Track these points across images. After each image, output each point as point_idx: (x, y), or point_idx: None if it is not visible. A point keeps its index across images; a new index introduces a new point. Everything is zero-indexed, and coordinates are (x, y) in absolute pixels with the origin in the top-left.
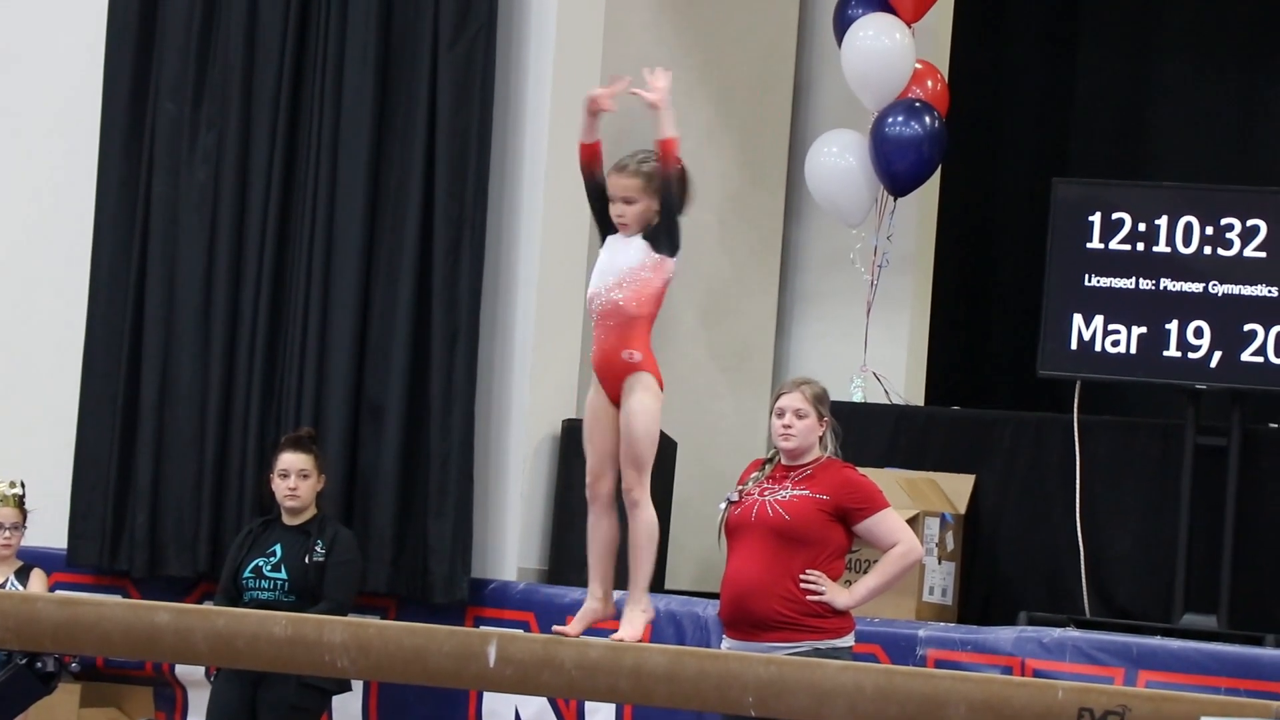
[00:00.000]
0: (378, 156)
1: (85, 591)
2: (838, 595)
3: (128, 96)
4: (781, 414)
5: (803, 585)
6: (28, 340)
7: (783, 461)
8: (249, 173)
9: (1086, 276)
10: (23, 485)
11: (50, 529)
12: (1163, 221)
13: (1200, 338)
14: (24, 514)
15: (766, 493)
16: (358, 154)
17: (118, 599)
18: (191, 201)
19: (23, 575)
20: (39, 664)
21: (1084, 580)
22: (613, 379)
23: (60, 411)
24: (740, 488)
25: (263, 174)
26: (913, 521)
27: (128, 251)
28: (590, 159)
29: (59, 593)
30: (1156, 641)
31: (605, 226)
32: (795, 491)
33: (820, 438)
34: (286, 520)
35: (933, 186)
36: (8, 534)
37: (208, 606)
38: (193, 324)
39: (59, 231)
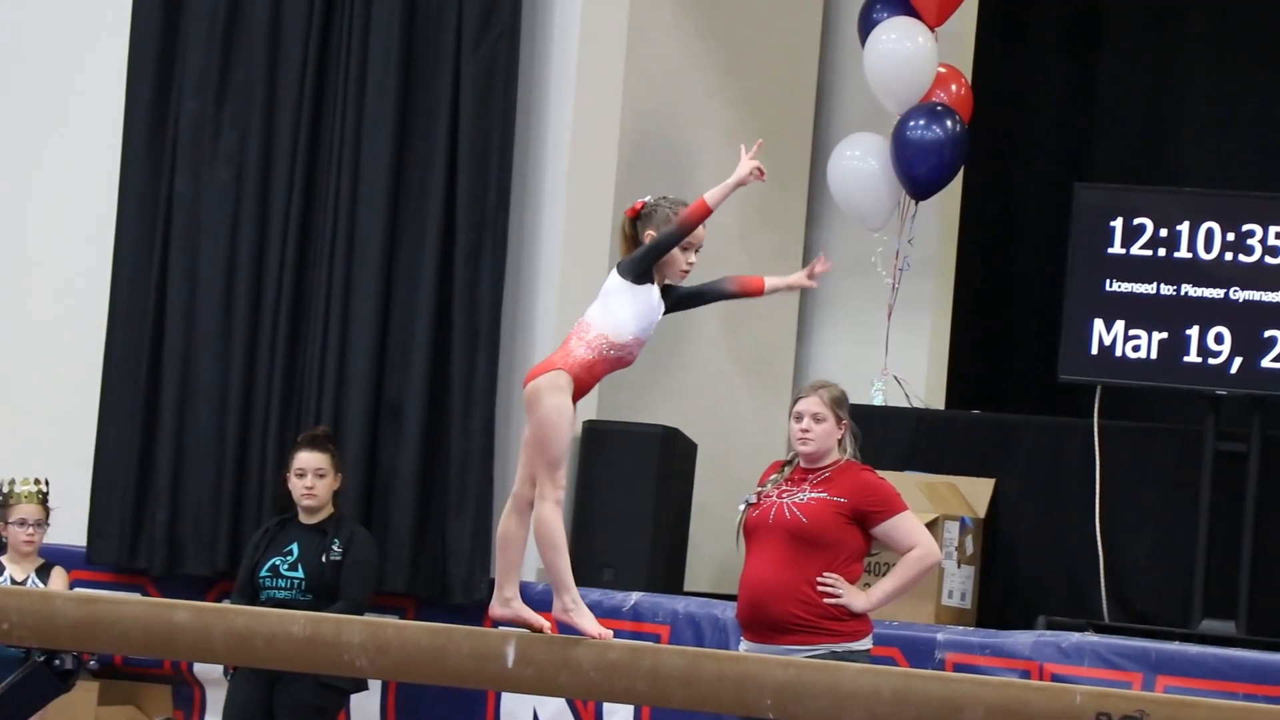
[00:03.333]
0: (400, 158)
1: (104, 589)
2: (855, 598)
3: (151, 95)
4: (800, 417)
5: (820, 588)
6: (50, 339)
7: (801, 464)
8: (271, 173)
9: (1108, 282)
10: (47, 483)
11: (70, 527)
12: (1184, 227)
13: (1221, 344)
14: (47, 511)
15: (785, 495)
16: (380, 155)
17: (137, 597)
18: (213, 201)
19: (44, 573)
20: (57, 661)
21: (1103, 585)
22: (575, 401)
23: (81, 410)
24: (759, 490)
25: (285, 174)
26: (932, 525)
27: (149, 250)
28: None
29: (78, 590)
30: (1175, 647)
31: (649, 273)
32: (813, 494)
33: (839, 441)
34: (304, 519)
35: (955, 190)
36: (31, 530)
37: (226, 605)
38: (214, 323)
39: (81, 230)
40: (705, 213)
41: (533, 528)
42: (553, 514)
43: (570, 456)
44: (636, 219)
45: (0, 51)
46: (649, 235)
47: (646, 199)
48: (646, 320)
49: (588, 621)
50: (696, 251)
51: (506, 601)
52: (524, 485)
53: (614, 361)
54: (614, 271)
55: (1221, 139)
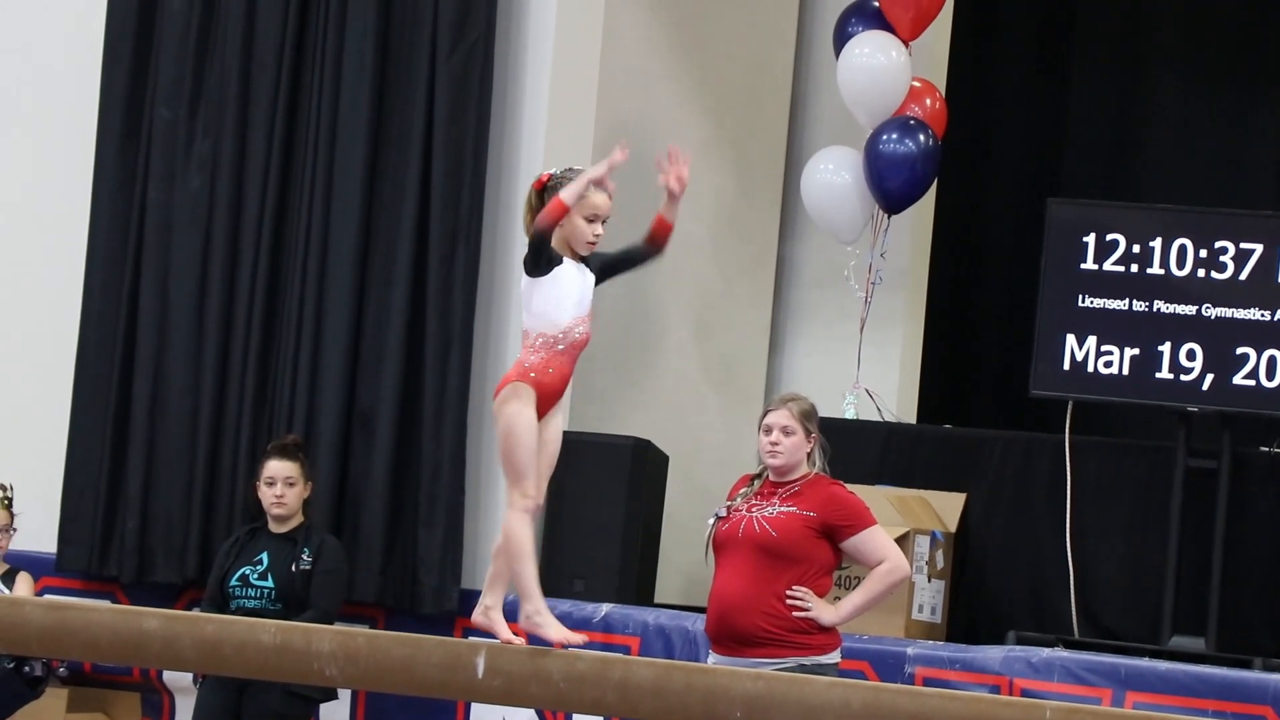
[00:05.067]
0: (374, 165)
1: (74, 597)
2: (823, 612)
3: (124, 102)
4: (769, 430)
5: (789, 602)
6: (20, 344)
7: (770, 478)
8: (244, 180)
9: (1080, 297)
10: (11, 488)
11: (40, 533)
12: (1157, 243)
13: (1192, 360)
14: (12, 516)
15: (754, 509)
16: (353, 162)
17: (106, 604)
18: (186, 208)
19: (9, 579)
20: (26, 668)
21: (1073, 601)
22: (552, 403)
23: (52, 416)
24: (728, 503)
25: (258, 182)
26: (903, 539)
27: (122, 257)
28: (560, 221)
29: (48, 597)
30: (1144, 663)
31: (550, 256)
32: (782, 508)
33: (808, 454)
34: (273, 528)
35: (928, 204)
36: None
37: (196, 613)
38: (186, 331)
39: (53, 236)
40: (561, 210)
41: (503, 536)
42: (520, 523)
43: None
44: (542, 191)
45: None
46: None
47: (553, 171)
48: (573, 298)
49: (553, 630)
50: (603, 222)
51: (486, 610)
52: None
53: (568, 350)
54: (523, 277)
55: (1190, 155)
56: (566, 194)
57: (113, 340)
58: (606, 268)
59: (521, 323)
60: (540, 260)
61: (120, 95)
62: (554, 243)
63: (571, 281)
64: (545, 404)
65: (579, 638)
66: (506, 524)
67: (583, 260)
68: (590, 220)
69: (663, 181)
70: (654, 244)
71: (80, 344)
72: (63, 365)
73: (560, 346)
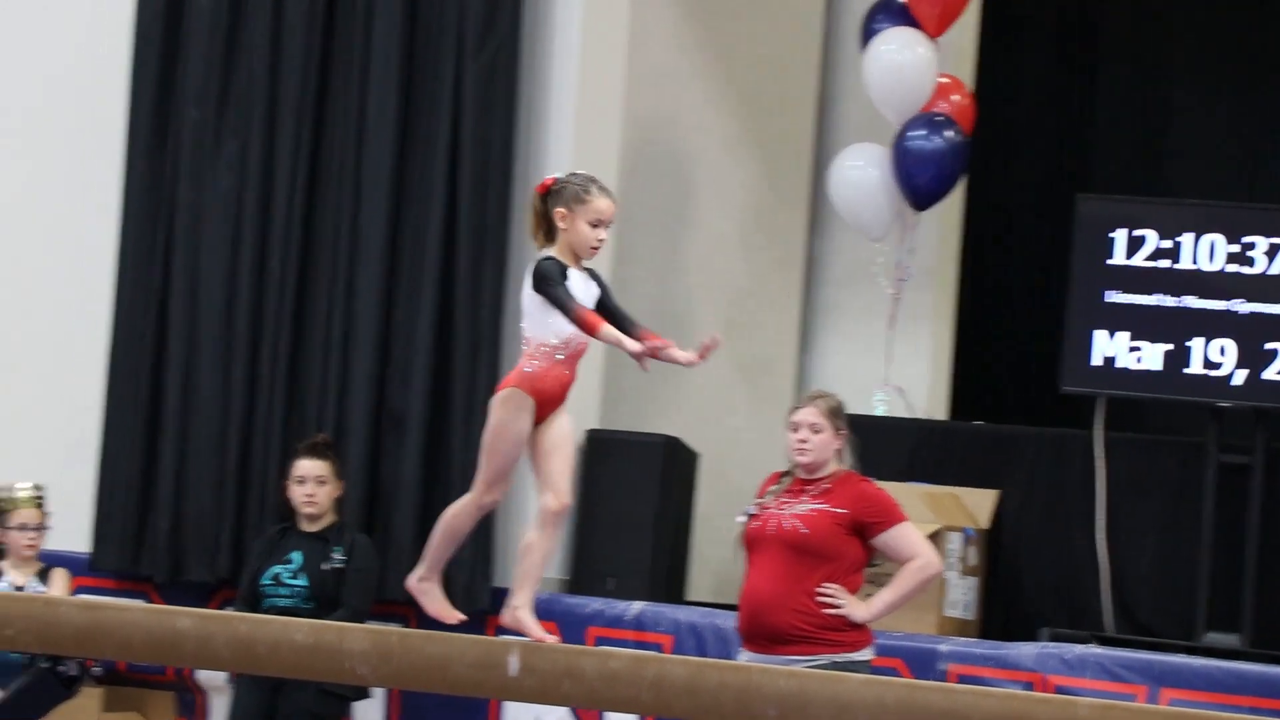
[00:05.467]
0: (401, 165)
1: (107, 596)
2: (855, 609)
3: (153, 102)
4: (797, 428)
5: (820, 599)
6: (52, 345)
7: (800, 475)
8: (273, 180)
9: (1109, 293)
10: (44, 488)
11: (73, 533)
12: (1187, 239)
13: (1224, 355)
14: (45, 516)
15: (784, 506)
16: (381, 162)
17: (140, 604)
18: (215, 208)
19: (44, 577)
20: (61, 667)
21: (1106, 597)
22: (553, 408)
23: (84, 416)
24: (758, 501)
25: (286, 182)
26: (935, 536)
27: (151, 257)
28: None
29: (82, 597)
30: (1179, 659)
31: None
32: (812, 505)
33: (837, 451)
34: (305, 527)
35: (956, 200)
36: (31, 535)
37: (229, 612)
38: (216, 331)
39: (83, 237)
40: (590, 335)
41: (446, 512)
42: (467, 512)
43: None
44: (546, 195)
45: (1, 57)
46: (558, 213)
47: (557, 175)
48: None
49: (433, 602)
50: (606, 228)
51: (514, 610)
52: (542, 496)
53: (569, 359)
54: (528, 284)
55: (1216, 150)
56: (606, 333)
57: (144, 341)
58: (603, 306)
59: (523, 329)
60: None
61: (149, 96)
62: (558, 252)
63: (576, 291)
64: (546, 409)
65: (458, 615)
66: (457, 503)
67: (586, 270)
68: (594, 225)
69: (685, 359)
70: (640, 343)
71: (112, 344)
72: (95, 365)
73: (561, 355)
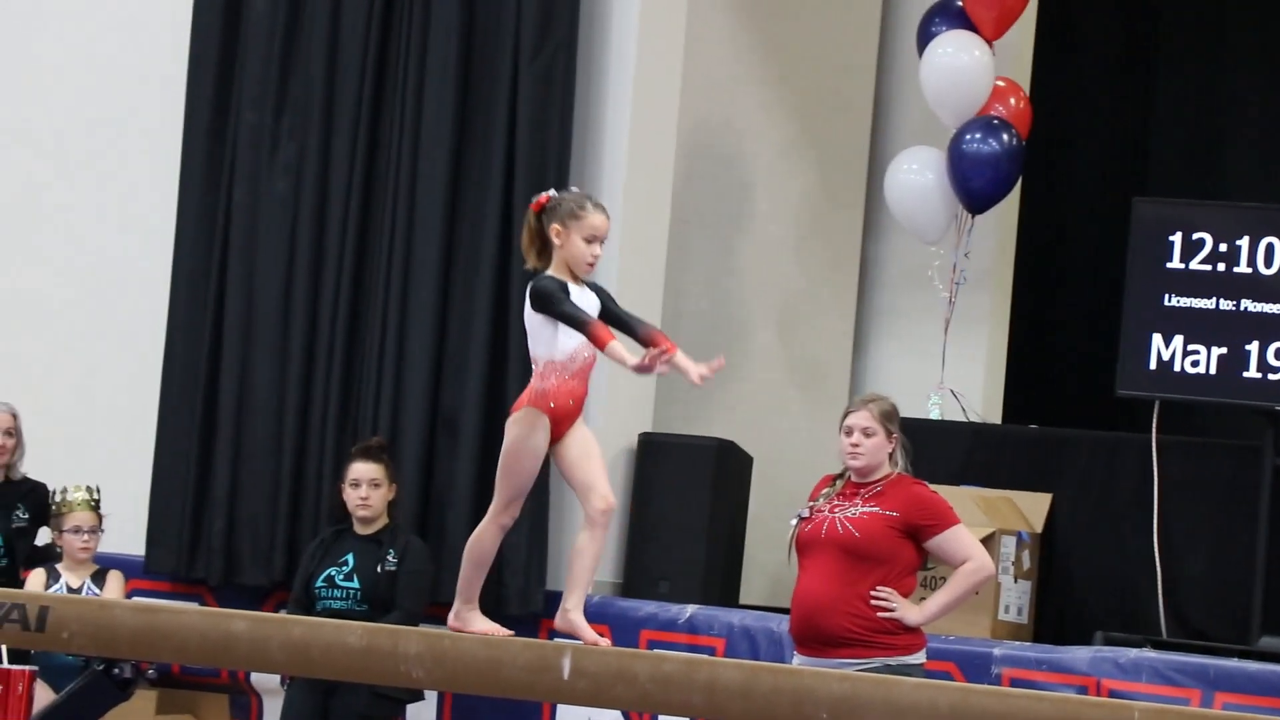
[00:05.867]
0: (457, 169)
1: (162, 599)
2: (908, 612)
3: (210, 106)
4: (849, 432)
5: (873, 602)
6: (108, 348)
7: (853, 479)
8: (329, 184)
9: (1166, 296)
10: (98, 490)
11: (128, 536)
12: (1244, 242)
13: None
14: (100, 518)
15: (837, 509)
16: (437, 166)
17: (195, 606)
18: (271, 212)
19: (99, 579)
20: (116, 670)
21: (1160, 601)
22: (570, 423)
23: (140, 419)
24: (811, 504)
25: (342, 185)
26: (989, 540)
27: (208, 260)
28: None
29: (136, 599)
30: (1233, 664)
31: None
32: (865, 508)
33: (890, 455)
34: (358, 530)
35: (1012, 204)
36: (85, 538)
37: (284, 615)
38: (271, 334)
39: (140, 239)
40: (599, 347)
41: (472, 538)
42: (490, 535)
43: (626, 468)
44: (541, 213)
45: (61, 63)
46: (554, 229)
47: (551, 193)
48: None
49: (480, 626)
50: (601, 244)
51: (565, 613)
52: (586, 501)
53: (579, 374)
54: (528, 306)
55: (1277, 153)
56: (613, 350)
57: (199, 343)
58: (606, 314)
59: (529, 348)
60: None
61: (206, 99)
62: (554, 269)
63: (580, 305)
64: (563, 425)
65: (506, 631)
66: (479, 531)
67: (584, 283)
68: (590, 241)
69: (695, 376)
70: (647, 346)
71: (167, 347)
72: (150, 369)
73: (569, 373)
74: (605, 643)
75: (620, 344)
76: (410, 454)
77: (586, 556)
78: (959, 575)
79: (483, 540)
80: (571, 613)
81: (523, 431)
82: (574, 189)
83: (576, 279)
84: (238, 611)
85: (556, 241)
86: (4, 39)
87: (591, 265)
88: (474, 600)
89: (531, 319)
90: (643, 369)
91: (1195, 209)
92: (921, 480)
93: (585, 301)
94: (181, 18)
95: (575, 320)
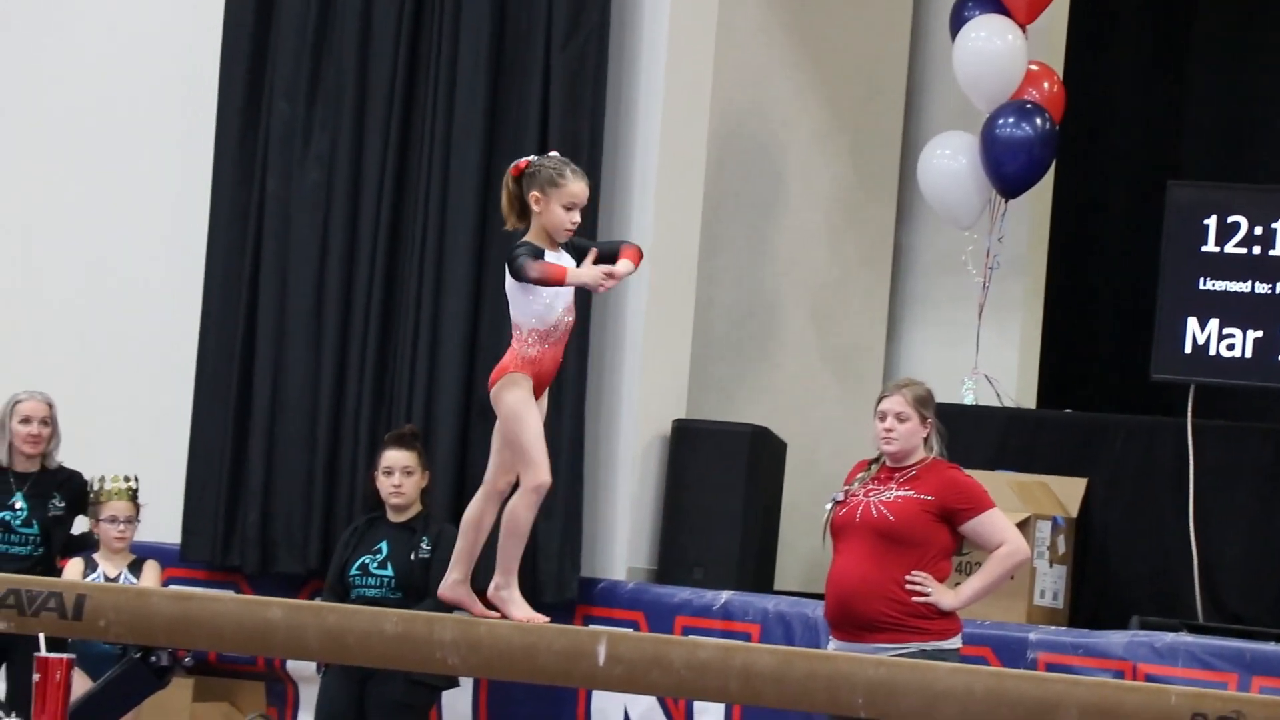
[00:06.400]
0: (489, 157)
1: (198, 587)
2: (943, 596)
3: (242, 97)
4: (883, 417)
5: (908, 587)
6: (143, 338)
7: (887, 463)
8: (361, 174)
9: (1201, 280)
10: (136, 479)
11: (164, 525)
12: (1279, 225)
13: None
14: (138, 508)
15: (871, 493)
16: (469, 155)
17: (231, 594)
18: (304, 202)
19: (135, 568)
20: (153, 658)
21: (1196, 585)
22: (543, 391)
23: (175, 409)
24: (846, 488)
25: (375, 175)
26: (1024, 524)
27: (241, 251)
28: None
29: (173, 588)
30: (1270, 647)
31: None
32: (899, 492)
33: (925, 439)
34: (392, 517)
35: (1045, 188)
36: (122, 527)
37: (319, 603)
38: (305, 323)
39: (174, 230)
40: (558, 283)
41: (505, 513)
42: (524, 506)
43: (660, 454)
44: (520, 178)
45: (93, 53)
46: (533, 195)
47: (531, 158)
48: (560, 292)
49: (517, 608)
50: (581, 211)
51: (454, 584)
52: (493, 475)
53: (559, 340)
54: (508, 275)
55: None
56: (573, 276)
57: (233, 333)
58: (580, 253)
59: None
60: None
61: (239, 90)
62: (532, 235)
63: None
64: (539, 391)
65: (542, 618)
66: (512, 504)
67: (560, 246)
68: (568, 209)
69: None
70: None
71: (201, 337)
72: (184, 359)
73: (550, 339)
74: (492, 616)
75: (574, 269)
76: (443, 442)
77: (482, 530)
78: (994, 560)
79: (515, 511)
80: (461, 585)
81: (516, 395)
82: (554, 154)
83: (554, 244)
84: (273, 599)
85: (535, 208)
86: (35, 33)
87: (569, 232)
88: (513, 574)
89: (511, 286)
90: (599, 283)
91: (1230, 192)
92: (956, 464)
93: (563, 264)
94: (214, 9)
95: (534, 275)
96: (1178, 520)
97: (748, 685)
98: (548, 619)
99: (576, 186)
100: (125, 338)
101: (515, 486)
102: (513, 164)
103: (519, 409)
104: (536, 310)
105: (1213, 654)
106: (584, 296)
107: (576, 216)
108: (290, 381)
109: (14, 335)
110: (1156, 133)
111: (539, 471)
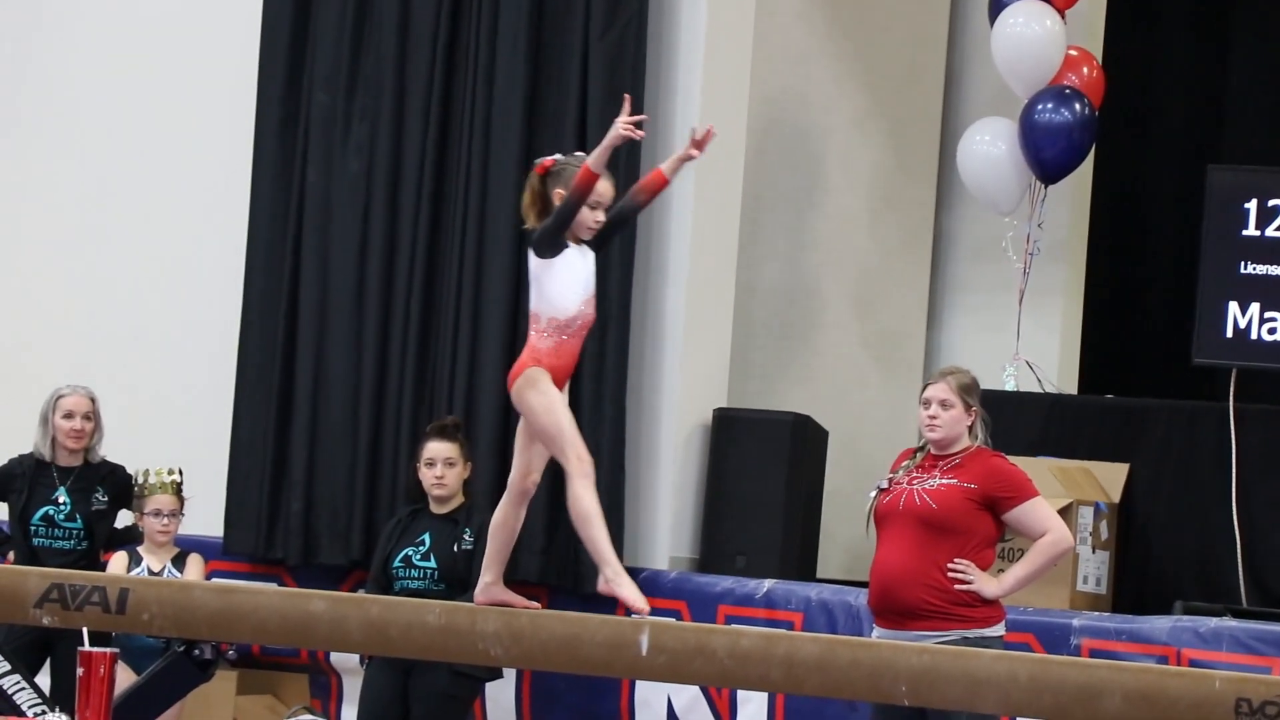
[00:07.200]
0: (529, 145)
1: (240, 579)
2: (986, 584)
3: (282, 87)
4: (927, 404)
5: (951, 574)
6: (184, 330)
7: (932, 451)
8: (401, 163)
9: (1242, 264)
10: (181, 473)
11: (206, 517)
12: None
13: None
14: (182, 501)
15: (915, 482)
16: (509, 143)
17: (273, 587)
18: (344, 192)
19: (179, 562)
20: (197, 651)
21: (1240, 569)
22: (561, 385)
23: (216, 401)
24: (890, 476)
25: (415, 165)
26: (1066, 510)
27: (282, 241)
28: (589, 186)
29: (216, 581)
30: None
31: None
32: (943, 480)
33: (969, 427)
34: (434, 509)
35: (1085, 173)
36: (166, 521)
37: (362, 595)
38: (346, 314)
39: (214, 221)
40: (590, 177)
41: (569, 507)
42: (583, 490)
43: (701, 443)
44: (546, 176)
45: (134, 44)
46: (557, 193)
47: (557, 156)
48: (580, 283)
49: (629, 591)
50: (605, 210)
51: (486, 586)
52: (519, 476)
53: (577, 333)
54: (530, 253)
55: None
56: (594, 161)
57: (274, 325)
58: (604, 235)
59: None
60: (557, 239)
61: (278, 80)
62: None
63: (578, 266)
64: (556, 385)
65: (646, 605)
66: (572, 493)
67: (583, 243)
68: (593, 207)
69: (688, 152)
70: (645, 197)
71: (243, 329)
72: (226, 351)
73: (568, 331)
74: (535, 605)
75: (593, 155)
76: (485, 433)
77: (510, 531)
78: (1037, 548)
79: (580, 500)
80: (494, 585)
81: (543, 390)
82: (579, 154)
83: (578, 241)
84: (316, 591)
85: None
86: (76, 24)
87: (593, 230)
88: (614, 560)
89: (536, 273)
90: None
91: (1271, 176)
92: (1000, 453)
93: (584, 261)
94: (253, 1)
95: (579, 190)
96: (1220, 504)
97: (790, 674)
98: (537, 604)
99: (602, 185)
100: (167, 330)
101: (539, 485)
102: (537, 162)
103: (544, 400)
104: (552, 295)
105: (1257, 638)
106: (624, 287)
107: (601, 215)
108: (332, 373)
109: (57, 329)
110: (1197, 116)
111: (579, 451)
